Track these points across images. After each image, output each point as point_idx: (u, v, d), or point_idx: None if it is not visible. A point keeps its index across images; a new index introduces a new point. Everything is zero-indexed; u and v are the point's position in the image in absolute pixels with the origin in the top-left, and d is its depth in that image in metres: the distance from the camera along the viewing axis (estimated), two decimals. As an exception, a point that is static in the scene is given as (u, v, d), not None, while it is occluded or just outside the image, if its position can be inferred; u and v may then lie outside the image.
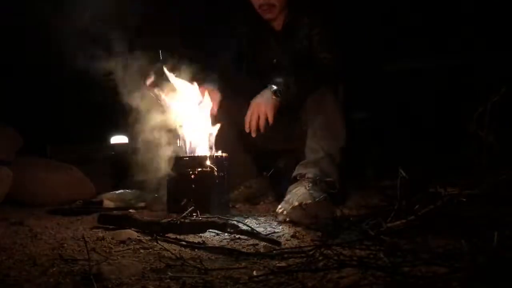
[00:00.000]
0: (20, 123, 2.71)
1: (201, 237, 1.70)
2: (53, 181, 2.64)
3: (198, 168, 2.13)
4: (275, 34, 2.60)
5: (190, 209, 1.89)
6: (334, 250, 1.32)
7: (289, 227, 1.87)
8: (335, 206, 2.04)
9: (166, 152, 2.19)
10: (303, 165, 2.27)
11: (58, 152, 3.08)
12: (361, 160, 2.98)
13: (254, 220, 2.04)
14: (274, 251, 1.46)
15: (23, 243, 1.61)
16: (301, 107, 2.44)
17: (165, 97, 2.24)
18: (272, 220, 2.04)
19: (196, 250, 1.54)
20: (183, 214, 1.83)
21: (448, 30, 3.21)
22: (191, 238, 1.68)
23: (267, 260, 1.39)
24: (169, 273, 1.26)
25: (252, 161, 2.64)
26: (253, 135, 2.34)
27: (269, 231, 1.81)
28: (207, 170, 2.12)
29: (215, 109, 2.41)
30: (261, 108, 2.32)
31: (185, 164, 2.16)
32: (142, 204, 2.44)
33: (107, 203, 2.44)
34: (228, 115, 2.42)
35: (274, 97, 2.33)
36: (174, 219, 1.76)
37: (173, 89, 2.26)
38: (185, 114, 2.27)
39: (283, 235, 1.74)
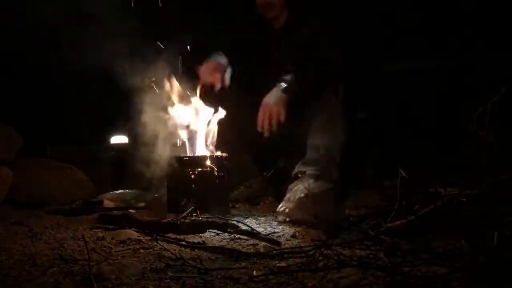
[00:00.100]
0: (20, 123, 2.71)
1: (201, 237, 1.70)
2: (53, 181, 2.63)
3: (198, 168, 2.13)
4: (276, 33, 2.61)
5: (190, 209, 1.89)
6: (334, 250, 1.32)
7: (289, 227, 1.87)
8: (338, 204, 2.05)
9: (167, 152, 2.20)
10: (303, 163, 2.28)
11: (58, 152, 3.07)
12: (361, 160, 2.98)
13: (254, 220, 2.04)
14: (274, 251, 1.46)
15: (23, 243, 1.61)
16: (301, 107, 2.44)
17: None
18: (272, 220, 2.04)
19: (196, 250, 1.54)
20: (183, 214, 1.83)
21: (448, 30, 3.20)
22: (191, 238, 1.68)
23: (267, 260, 1.39)
24: (169, 273, 1.26)
25: (252, 161, 2.64)
26: (266, 135, 2.32)
27: (269, 231, 1.81)
28: (207, 170, 2.12)
29: (225, 82, 2.41)
30: (273, 107, 2.31)
31: (185, 164, 2.16)
32: (142, 204, 2.44)
33: (107, 203, 2.44)
34: (228, 115, 2.42)
35: (284, 94, 2.32)
36: (174, 219, 1.76)
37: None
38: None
39: (283, 235, 1.74)
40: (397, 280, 1.12)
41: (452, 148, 2.55)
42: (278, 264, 1.35)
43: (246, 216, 2.14)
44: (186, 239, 1.66)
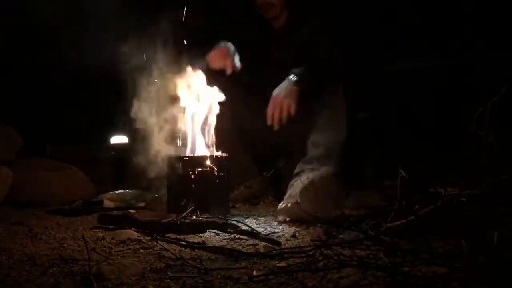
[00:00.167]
0: (20, 123, 2.71)
1: (201, 237, 1.70)
2: (53, 181, 2.64)
3: (198, 168, 2.13)
4: (276, 33, 2.61)
5: (190, 209, 1.89)
6: (334, 250, 1.32)
7: (289, 227, 1.87)
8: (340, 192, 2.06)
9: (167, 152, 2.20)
10: (304, 161, 2.29)
11: (58, 152, 3.08)
12: (361, 160, 2.98)
13: (254, 220, 2.04)
14: (274, 251, 1.46)
15: (23, 243, 1.61)
16: (301, 107, 2.44)
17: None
18: (272, 220, 2.04)
19: (196, 250, 1.54)
20: (183, 214, 1.83)
21: (448, 30, 3.20)
22: (191, 238, 1.68)
23: (267, 260, 1.39)
24: (169, 273, 1.26)
25: (252, 161, 2.64)
26: (276, 128, 2.30)
27: (269, 231, 1.81)
28: (207, 170, 2.12)
29: (235, 66, 2.41)
30: (283, 100, 2.29)
31: (185, 164, 2.16)
32: (142, 204, 2.44)
33: (107, 203, 2.44)
34: (228, 114, 2.42)
35: (295, 87, 2.31)
36: (174, 219, 1.76)
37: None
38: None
39: (283, 235, 1.74)
40: (397, 280, 1.12)
41: (452, 148, 2.55)
42: (278, 264, 1.35)
43: (246, 216, 2.14)
44: (186, 239, 1.66)
